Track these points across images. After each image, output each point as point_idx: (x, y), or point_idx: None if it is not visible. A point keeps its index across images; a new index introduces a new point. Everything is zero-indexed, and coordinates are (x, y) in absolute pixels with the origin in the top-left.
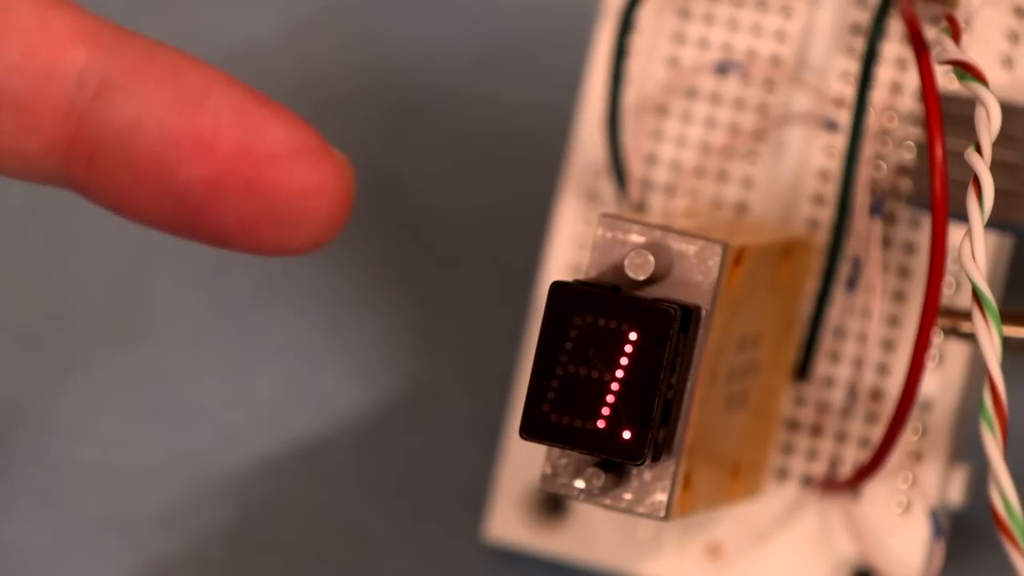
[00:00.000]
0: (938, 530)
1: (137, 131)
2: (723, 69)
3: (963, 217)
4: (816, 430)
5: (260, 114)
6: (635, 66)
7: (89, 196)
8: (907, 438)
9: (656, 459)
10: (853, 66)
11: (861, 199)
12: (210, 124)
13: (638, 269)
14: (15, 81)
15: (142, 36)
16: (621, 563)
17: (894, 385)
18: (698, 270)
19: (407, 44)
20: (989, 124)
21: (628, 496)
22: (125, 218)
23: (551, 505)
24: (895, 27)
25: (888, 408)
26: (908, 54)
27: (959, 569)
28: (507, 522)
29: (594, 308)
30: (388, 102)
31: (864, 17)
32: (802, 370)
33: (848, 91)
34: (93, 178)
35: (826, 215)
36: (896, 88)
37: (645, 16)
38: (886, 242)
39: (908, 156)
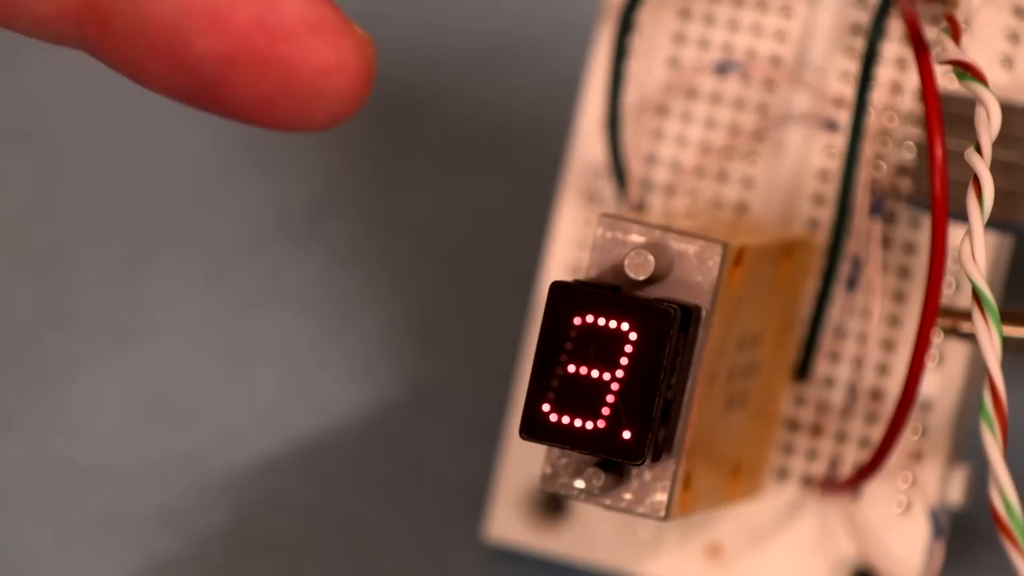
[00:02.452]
0: (938, 530)
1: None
2: (723, 69)
3: (963, 217)
4: (816, 430)
5: None
6: (635, 66)
7: (102, 60)
8: (907, 438)
9: (656, 459)
10: (853, 66)
11: (861, 199)
12: None
13: (638, 269)
14: None
15: None
16: (621, 563)
17: (894, 385)
18: (698, 270)
19: (407, 44)
20: (989, 124)
21: (628, 496)
22: (140, 84)
23: (551, 505)
24: (895, 27)
25: (888, 408)
26: (908, 54)
27: (959, 569)
28: (507, 522)
29: (594, 308)
30: (388, 101)
31: (864, 17)
32: (802, 370)
33: (848, 91)
34: (106, 43)
35: (826, 215)
36: (896, 88)
37: (645, 16)
38: (886, 242)
39: (908, 156)
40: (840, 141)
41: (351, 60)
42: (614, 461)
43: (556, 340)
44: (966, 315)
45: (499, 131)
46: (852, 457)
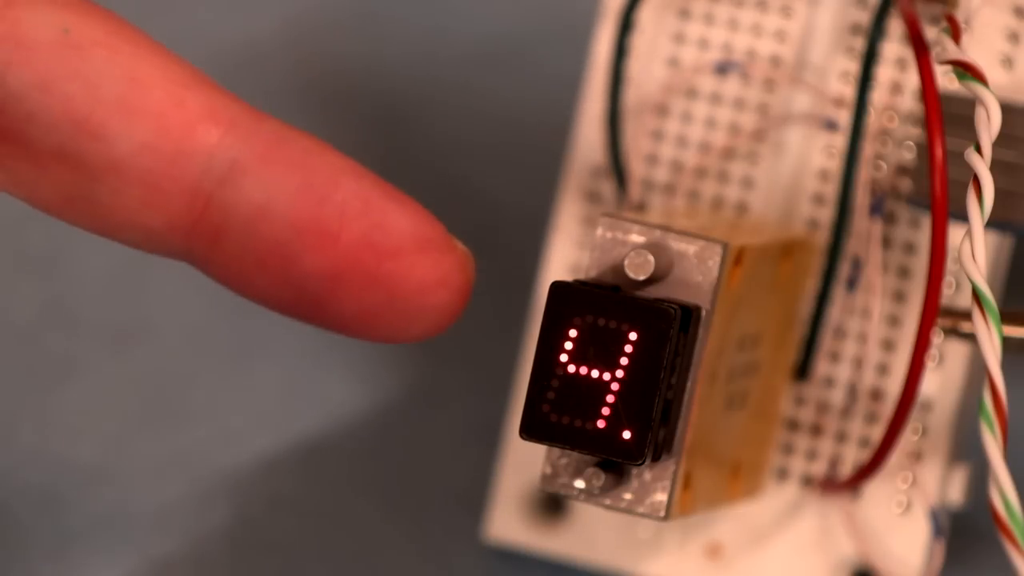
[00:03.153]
0: (938, 530)
1: (262, 217)
2: (723, 69)
3: (963, 217)
4: (816, 430)
5: (386, 206)
6: (635, 66)
7: (209, 273)
8: (907, 438)
9: (656, 459)
10: (853, 66)
11: (861, 199)
12: (335, 215)
13: (638, 269)
14: (146, 160)
15: (274, 119)
16: (621, 563)
17: (894, 385)
18: (698, 270)
19: (407, 44)
20: (989, 124)
21: (628, 496)
22: (244, 296)
23: (551, 505)
24: (895, 27)
25: (888, 408)
26: (908, 54)
27: (959, 569)
28: (507, 522)
29: (594, 308)
30: (389, 102)
31: (864, 17)
32: (802, 370)
33: (848, 91)
34: (214, 258)
35: (826, 215)
36: (896, 88)
37: (645, 16)
38: (886, 242)
39: (908, 156)
40: (840, 141)
41: (453, 276)
42: (614, 461)
43: (556, 340)
44: (966, 315)
45: (499, 131)
46: (852, 457)
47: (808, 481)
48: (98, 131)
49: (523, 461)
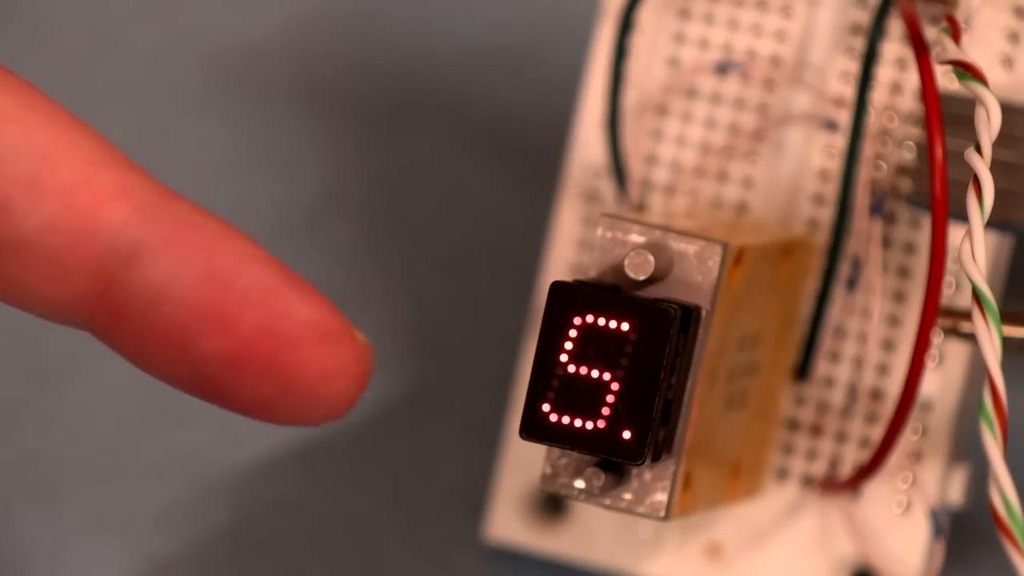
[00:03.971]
0: (938, 530)
1: (163, 299)
2: (723, 69)
3: (963, 217)
4: (816, 430)
5: (288, 295)
6: (635, 66)
7: (110, 345)
8: (907, 438)
9: (656, 459)
10: (853, 66)
11: (861, 199)
12: (237, 301)
13: (638, 269)
14: (51, 237)
15: (185, 200)
16: (621, 563)
17: (894, 385)
18: (698, 270)
19: (407, 44)
20: (989, 124)
21: (628, 496)
22: (142, 370)
23: (551, 505)
24: (895, 27)
25: (888, 408)
26: (908, 54)
27: (959, 569)
28: (507, 522)
29: (594, 308)
30: (388, 102)
31: (864, 17)
32: (802, 370)
33: (848, 91)
34: (115, 333)
35: (826, 215)
36: (896, 88)
37: (645, 16)
38: (886, 242)
39: (908, 156)
40: (840, 141)
41: (351, 367)
42: (614, 461)
43: (556, 340)
44: (966, 315)
45: (499, 131)
46: (852, 457)
47: (808, 481)
48: (5, 207)
49: (523, 461)
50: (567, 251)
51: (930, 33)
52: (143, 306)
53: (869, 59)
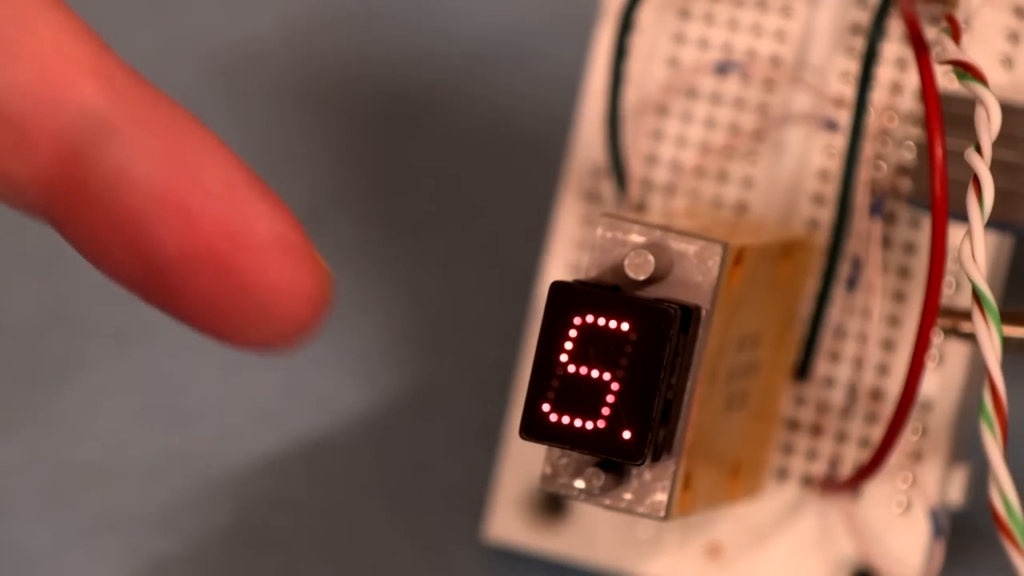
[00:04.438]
0: (938, 530)
1: (124, 182)
2: (723, 69)
3: (963, 217)
4: (816, 430)
5: (251, 197)
6: (635, 66)
7: (66, 236)
8: (907, 438)
9: (656, 459)
10: (853, 66)
11: (861, 199)
12: (200, 197)
13: (638, 269)
14: (17, 102)
15: (154, 87)
16: (621, 563)
17: (894, 385)
18: (698, 270)
19: (407, 43)
20: (989, 124)
21: (628, 496)
22: (94, 265)
23: (551, 505)
24: (895, 27)
25: (888, 408)
26: (908, 54)
27: (959, 569)
28: (507, 522)
29: (594, 308)
30: (388, 102)
31: (864, 17)
32: (802, 370)
33: (848, 91)
34: (72, 219)
35: (826, 215)
36: (896, 88)
37: (645, 16)
38: (886, 242)
39: (908, 156)
40: (840, 141)
41: (307, 286)
42: (614, 461)
43: (556, 340)
44: (966, 315)
45: (499, 131)
46: (852, 457)
47: (808, 481)
48: None
49: (523, 461)
50: (567, 251)
51: (930, 33)
52: (103, 190)
53: (869, 59)
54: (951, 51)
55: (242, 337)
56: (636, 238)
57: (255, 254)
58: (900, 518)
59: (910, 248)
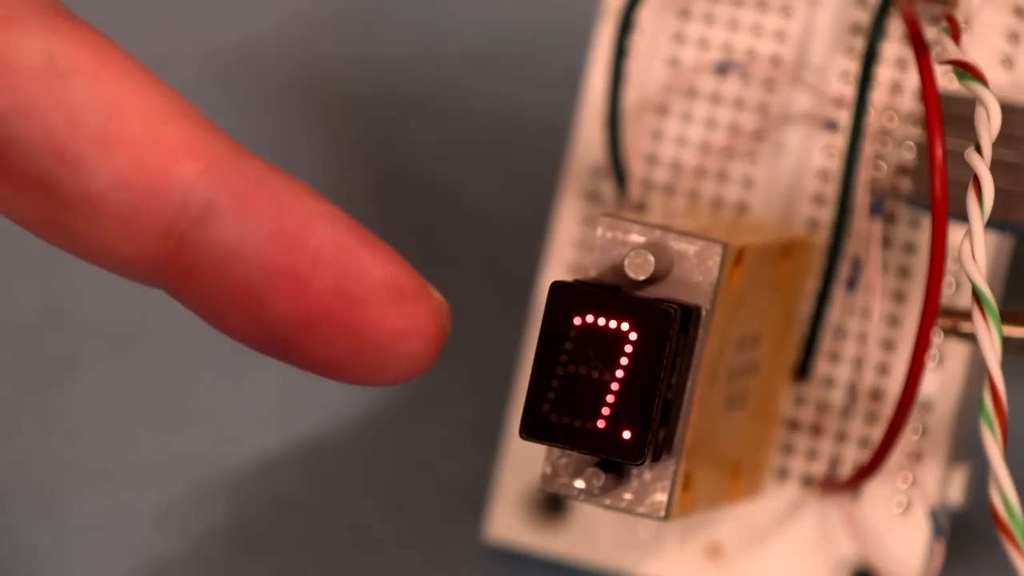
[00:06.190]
0: (938, 530)
1: (234, 258)
2: (723, 69)
3: (963, 217)
4: (816, 430)
5: (361, 254)
6: (635, 66)
7: (184, 303)
8: (907, 438)
9: (656, 459)
10: (853, 66)
11: (861, 199)
12: (308, 261)
13: (638, 269)
14: (121, 194)
15: (255, 157)
16: (621, 563)
17: (894, 385)
18: (698, 270)
19: (407, 44)
20: (989, 124)
21: (628, 496)
22: (217, 329)
23: (551, 505)
24: (895, 27)
25: (888, 408)
26: (908, 54)
27: (959, 569)
28: (507, 522)
29: (594, 308)
30: (388, 101)
31: (864, 17)
32: (802, 370)
33: (848, 91)
34: (188, 292)
35: (826, 215)
36: (896, 88)
37: (645, 16)
38: (886, 242)
39: (908, 156)
40: (840, 141)
41: (426, 326)
42: (614, 461)
43: (556, 340)
44: (966, 315)
45: (499, 131)
46: (852, 457)
47: (808, 481)
48: (76, 162)
49: (523, 461)
50: (567, 251)
51: (930, 33)
52: (214, 266)
53: (869, 59)
54: (951, 51)
55: (370, 380)
56: (636, 238)
57: (370, 307)
58: (900, 518)
59: (910, 248)
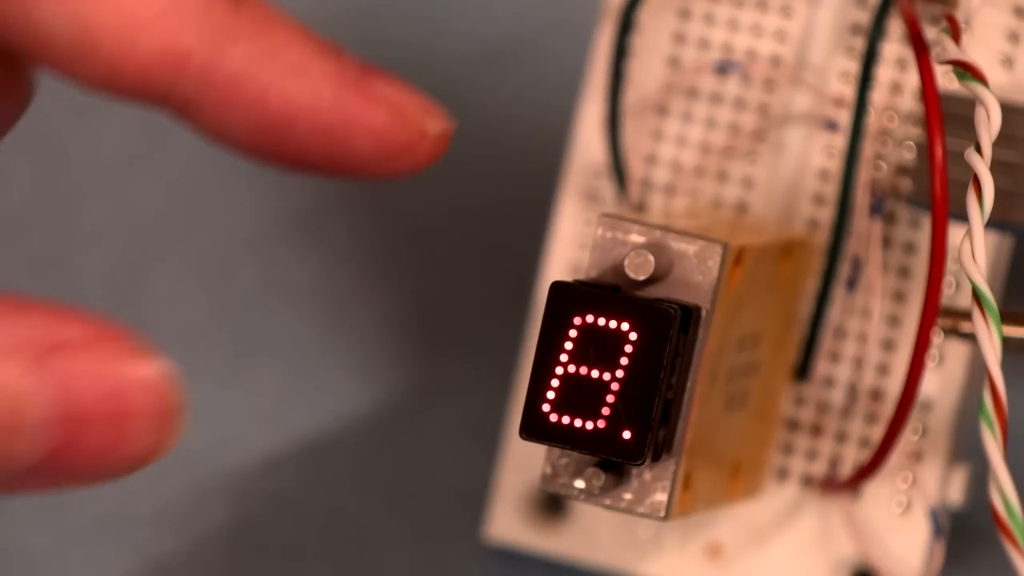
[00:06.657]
0: (938, 530)
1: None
2: (723, 69)
3: (963, 217)
4: (816, 430)
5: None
6: (635, 66)
7: (183, 117)
8: (907, 438)
9: (656, 459)
10: (853, 66)
11: (861, 199)
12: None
13: (638, 269)
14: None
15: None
16: (621, 563)
17: (894, 385)
18: (698, 270)
19: (407, 43)
20: (989, 124)
21: (628, 496)
22: (213, 140)
23: (551, 505)
24: (895, 27)
25: (888, 408)
26: (908, 54)
27: (959, 569)
28: (507, 522)
29: (594, 308)
30: None
31: (864, 17)
32: (802, 370)
33: (848, 91)
34: (193, 101)
35: (826, 215)
36: (896, 88)
37: (645, 16)
38: (886, 242)
39: (908, 156)
40: (840, 141)
41: (424, 146)
42: (614, 461)
43: (556, 340)
44: (966, 315)
45: (499, 131)
46: (852, 457)
47: (808, 481)
48: None
49: (523, 461)
50: (567, 251)
51: (930, 33)
52: (229, 82)
53: (869, 59)
54: (951, 51)
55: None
56: (636, 238)
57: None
58: (900, 518)
59: (910, 248)
